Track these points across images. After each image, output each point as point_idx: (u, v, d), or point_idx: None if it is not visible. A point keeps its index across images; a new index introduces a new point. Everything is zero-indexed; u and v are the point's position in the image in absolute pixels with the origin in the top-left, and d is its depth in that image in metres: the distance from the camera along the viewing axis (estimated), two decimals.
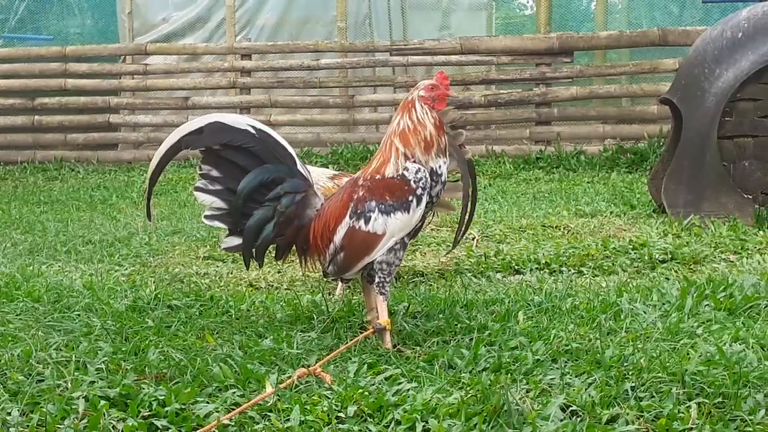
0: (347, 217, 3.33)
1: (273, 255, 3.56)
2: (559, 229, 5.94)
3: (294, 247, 3.50)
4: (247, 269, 3.62)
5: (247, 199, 3.38)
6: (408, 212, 3.30)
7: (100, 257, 5.31)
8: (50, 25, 13.35)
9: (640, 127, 10.12)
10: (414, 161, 3.30)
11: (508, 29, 13.85)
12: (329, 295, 4.26)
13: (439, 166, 3.33)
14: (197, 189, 3.43)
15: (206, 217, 3.44)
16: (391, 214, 3.29)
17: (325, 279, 4.44)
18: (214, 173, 3.41)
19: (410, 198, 3.29)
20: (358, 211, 3.31)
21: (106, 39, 12.39)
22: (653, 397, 2.67)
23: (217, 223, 3.44)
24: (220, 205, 3.41)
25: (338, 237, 3.34)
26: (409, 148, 3.30)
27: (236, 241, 3.44)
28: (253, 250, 3.43)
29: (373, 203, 3.30)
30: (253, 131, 3.39)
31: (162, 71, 11.23)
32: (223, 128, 3.39)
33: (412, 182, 3.29)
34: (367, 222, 3.30)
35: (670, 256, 4.96)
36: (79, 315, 3.66)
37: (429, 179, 3.30)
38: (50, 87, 11.27)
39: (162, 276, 4.77)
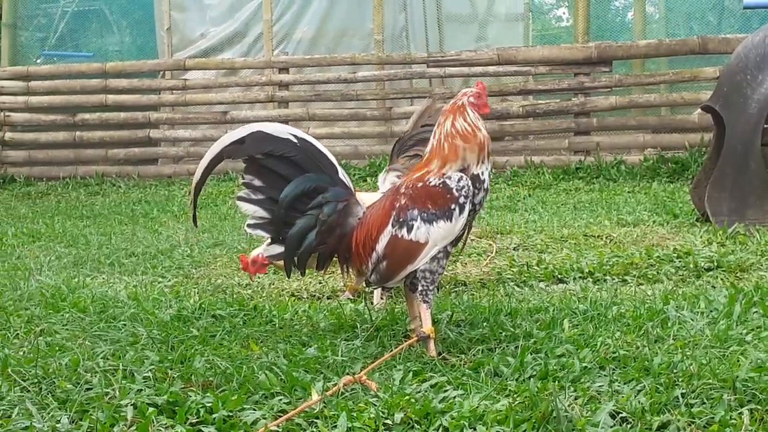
0: (389, 226, 3.32)
1: (314, 266, 3.56)
2: (601, 239, 5.89)
3: (336, 257, 3.50)
4: (289, 278, 3.63)
5: (289, 208, 3.38)
6: (450, 221, 3.27)
7: (143, 269, 5.36)
8: (90, 43, 13.55)
9: (681, 136, 9.97)
10: (457, 169, 3.28)
11: (544, 41, 13.82)
12: (371, 303, 4.26)
13: (482, 173, 3.30)
14: (240, 198, 3.44)
15: (249, 225, 3.46)
16: (434, 223, 3.27)
17: (366, 288, 4.44)
18: (257, 183, 3.42)
19: (453, 206, 3.26)
20: (401, 220, 3.30)
21: (144, 55, 12.54)
22: (704, 403, 2.63)
23: (259, 232, 3.45)
24: (263, 214, 3.42)
25: (381, 245, 3.33)
26: (451, 154, 3.29)
27: (278, 249, 3.45)
28: (296, 258, 3.44)
29: (416, 211, 3.29)
30: (294, 140, 3.40)
31: (201, 86, 11.33)
32: (265, 138, 3.40)
33: (454, 190, 3.27)
34: (409, 230, 3.28)
35: (715, 264, 4.88)
36: (125, 325, 3.69)
37: (471, 187, 3.27)
38: (91, 103, 11.44)
39: (205, 287, 4.79)
